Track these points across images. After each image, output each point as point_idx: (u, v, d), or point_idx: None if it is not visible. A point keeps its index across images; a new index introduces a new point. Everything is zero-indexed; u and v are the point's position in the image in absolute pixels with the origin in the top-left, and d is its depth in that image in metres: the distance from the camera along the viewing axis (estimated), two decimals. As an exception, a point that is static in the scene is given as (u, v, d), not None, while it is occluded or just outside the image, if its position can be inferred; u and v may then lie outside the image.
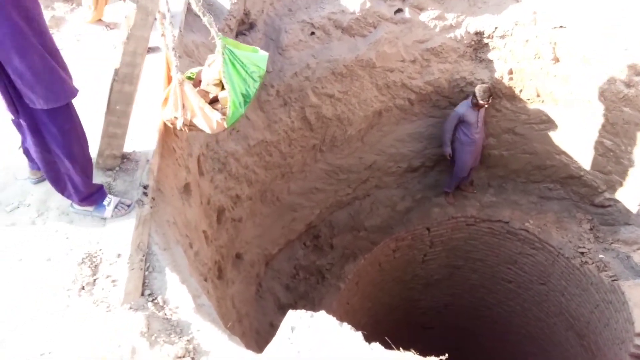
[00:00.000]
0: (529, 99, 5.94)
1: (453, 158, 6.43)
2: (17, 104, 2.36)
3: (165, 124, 3.35)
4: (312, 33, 5.47)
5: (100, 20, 4.50)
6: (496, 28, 5.48)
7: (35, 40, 2.14)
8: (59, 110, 2.38)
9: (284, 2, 5.45)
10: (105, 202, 2.77)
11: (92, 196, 2.73)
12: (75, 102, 2.52)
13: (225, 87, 2.95)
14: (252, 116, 5.41)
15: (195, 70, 3.32)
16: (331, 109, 5.79)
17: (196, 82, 3.18)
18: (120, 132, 3.01)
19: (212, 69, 3.06)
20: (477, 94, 5.71)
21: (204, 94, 3.07)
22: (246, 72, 2.93)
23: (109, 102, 2.88)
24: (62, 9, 4.68)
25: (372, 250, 6.66)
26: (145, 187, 3.01)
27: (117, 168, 3.13)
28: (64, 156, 2.54)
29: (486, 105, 5.87)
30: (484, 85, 5.79)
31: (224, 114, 2.99)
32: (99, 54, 4.17)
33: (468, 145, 6.18)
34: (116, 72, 2.79)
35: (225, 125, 3.01)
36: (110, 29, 4.46)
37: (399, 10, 5.53)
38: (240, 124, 5.29)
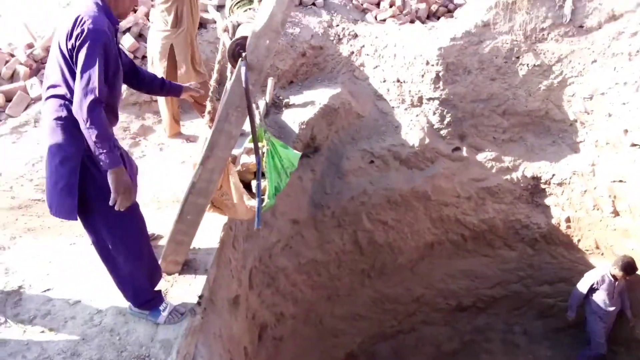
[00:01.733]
0: (587, 250, 5.80)
1: (585, 328, 5.93)
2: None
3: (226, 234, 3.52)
4: (372, 162, 5.74)
5: (179, 133, 4.94)
6: (553, 175, 5.55)
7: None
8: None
9: (348, 131, 5.80)
10: (161, 308, 2.85)
11: (150, 301, 2.82)
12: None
13: (266, 176, 3.03)
14: (306, 234, 5.55)
15: (234, 151, 3.41)
16: (383, 236, 5.86)
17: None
18: (186, 240, 3.16)
19: (250, 157, 3.22)
20: (618, 267, 5.32)
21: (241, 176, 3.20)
22: (282, 165, 3.07)
23: (182, 211, 3.07)
24: (152, 119, 5.18)
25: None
26: (200, 297, 3.08)
27: (177, 274, 3.25)
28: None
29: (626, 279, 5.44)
30: (626, 259, 5.33)
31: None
32: (175, 164, 4.55)
33: (600, 315, 5.65)
34: (193, 184, 3.00)
35: (262, 211, 3.11)
36: (190, 141, 4.87)
37: (457, 149, 5.75)
38: (294, 241, 5.42)
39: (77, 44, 2.31)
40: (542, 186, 5.74)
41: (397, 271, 6.15)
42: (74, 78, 2.34)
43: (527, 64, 5.14)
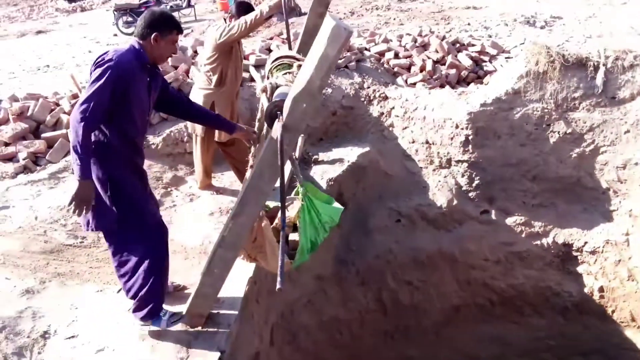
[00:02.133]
0: (622, 322, 5.56)
1: None
2: None
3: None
4: (398, 220, 5.72)
5: (210, 185, 5.04)
6: (586, 243, 5.43)
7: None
8: None
9: (375, 189, 5.83)
10: (161, 314, 3.11)
11: (156, 311, 3.10)
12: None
13: (298, 230, 3.06)
14: (329, 291, 5.49)
15: (272, 204, 3.50)
16: (408, 296, 5.75)
17: (269, 216, 3.35)
18: (212, 294, 3.17)
19: (289, 211, 3.23)
20: None
21: (277, 231, 3.20)
22: (319, 221, 3.05)
23: (209, 264, 3.10)
24: (184, 170, 5.32)
25: None
26: (222, 353, 3.06)
27: (200, 328, 3.24)
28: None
29: None
30: None
31: (291, 257, 3.09)
32: (204, 215, 4.63)
33: None
34: (223, 238, 3.04)
35: (292, 267, 3.13)
36: (220, 193, 4.96)
37: (486, 212, 5.70)
38: (317, 297, 5.36)
39: (93, 69, 2.66)
40: (574, 253, 5.60)
41: (421, 334, 5.98)
42: None
43: (558, 132, 5.15)
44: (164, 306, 3.17)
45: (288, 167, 4.58)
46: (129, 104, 2.73)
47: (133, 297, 3.06)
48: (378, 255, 5.62)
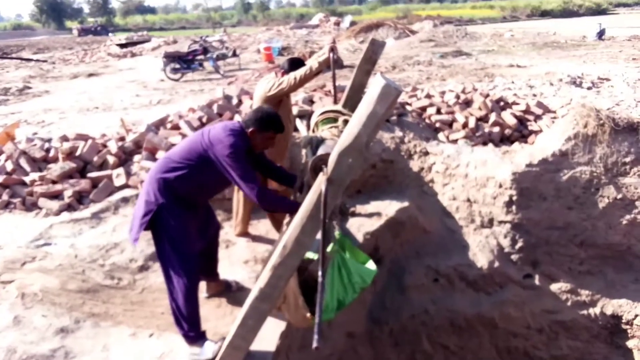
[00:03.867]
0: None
1: None
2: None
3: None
4: (436, 280, 5.53)
5: (247, 233, 5.03)
6: (636, 316, 5.10)
7: None
8: None
9: (413, 246, 5.69)
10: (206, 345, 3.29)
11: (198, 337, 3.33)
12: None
13: (326, 288, 2.95)
14: (360, 350, 5.28)
15: (310, 255, 3.41)
16: (443, 361, 5.48)
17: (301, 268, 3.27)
18: (244, 346, 3.10)
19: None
20: None
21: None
22: (350, 280, 3.01)
23: (244, 316, 3.04)
24: (221, 216, 5.34)
25: None
26: (251, 409, 2.94)
27: (229, 380, 3.14)
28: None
29: None
30: None
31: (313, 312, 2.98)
32: (238, 263, 4.59)
33: None
34: (260, 290, 2.99)
35: (311, 323, 2.99)
36: (255, 241, 4.94)
37: (529, 276, 5.46)
38: (348, 356, 5.16)
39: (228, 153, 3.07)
40: (623, 326, 5.26)
41: (456, 403, 5.66)
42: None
43: (608, 197, 4.96)
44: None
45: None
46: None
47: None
48: (413, 315, 5.41)
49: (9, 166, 5.64)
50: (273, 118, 3.19)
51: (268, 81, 4.42)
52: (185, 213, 3.19)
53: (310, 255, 3.52)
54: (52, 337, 3.42)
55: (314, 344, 2.50)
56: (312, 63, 4.20)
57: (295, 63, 4.43)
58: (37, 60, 20.91)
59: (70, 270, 4.14)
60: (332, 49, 4.18)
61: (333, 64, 4.18)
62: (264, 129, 3.15)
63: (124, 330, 3.60)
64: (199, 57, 14.65)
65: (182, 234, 3.17)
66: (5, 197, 5.34)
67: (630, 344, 5.29)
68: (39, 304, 3.70)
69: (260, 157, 3.45)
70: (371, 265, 3.20)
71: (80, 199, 5.36)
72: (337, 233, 3.14)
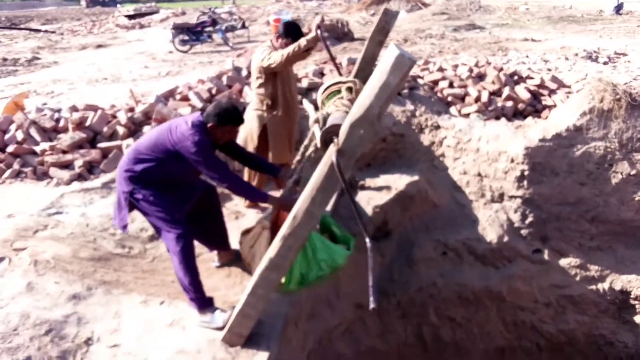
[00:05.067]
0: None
1: None
2: None
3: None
4: (444, 253, 5.54)
5: (256, 205, 5.01)
6: (646, 292, 5.10)
7: None
8: None
9: (422, 220, 5.69)
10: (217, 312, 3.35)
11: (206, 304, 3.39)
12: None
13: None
14: (368, 320, 5.34)
15: None
16: (450, 333, 5.52)
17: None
18: (254, 314, 3.13)
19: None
20: None
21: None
22: (314, 256, 3.15)
23: (254, 285, 3.06)
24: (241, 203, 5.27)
25: None
26: (260, 375, 2.99)
27: (239, 347, 3.19)
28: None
29: None
30: None
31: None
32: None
33: None
34: (270, 260, 3.00)
35: (284, 289, 3.23)
36: (262, 212, 4.93)
37: (538, 251, 5.45)
38: (355, 326, 5.22)
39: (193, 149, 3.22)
40: (632, 302, 5.28)
41: (461, 374, 5.73)
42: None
43: (621, 172, 4.90)
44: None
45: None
46: None
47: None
48: (421, 288, 5.44)
49: (20, 136, 5.66)
50: (230, 112, 3.31)
51: (263, 50, 4.35)
52: (158, 190, 3.34)
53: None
54: (65, 304, 3.46)
55: (371, 305, 2.48)
56: (300, 41, 4.14)
57: (292, 29, 4.34)
58: (46, 31, 20.81)
59: (81, 239, 4.18)
60: (319, 27, 4.13)
61: (323, 40, 4.11)
62: (222, 123, 3.29)
63: (135, 297, 3.64)
64: (207, 29, 14.47)
65: (162, 207, 3.32)
66: (16, 166, 5.37)
67: (638, 319, 5.31)
68: (52, 271, 3.74)
69: (233, 145, 3.64)
70: (344, 247, 3.32)
71: (90, 169, 5.38)
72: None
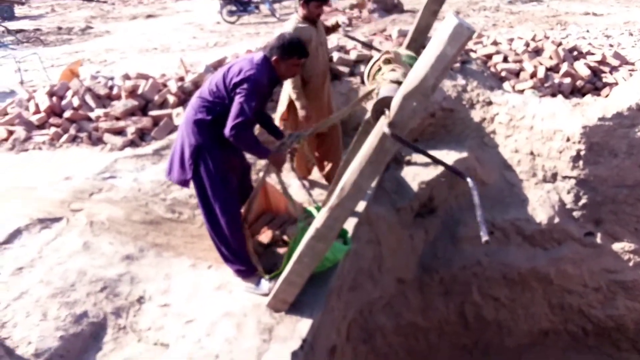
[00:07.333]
0: None
1: None
2: None
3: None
4: (491, 232, 5.43)
5: (305, 177, 5.03)
6: None
7: None
8: None
9: (468, 197, 5.57)
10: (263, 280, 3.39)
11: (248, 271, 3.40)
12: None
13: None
14: (409, 295, 5.34)
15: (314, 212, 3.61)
16: (493, 313, 5.45)
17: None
18: (299, 282, 3.18)
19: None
20: None
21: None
22: None
23: (300, 253, 3.10)
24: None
25: None
26: (304, 341, 3.05)
27: (283, 313, 3.26)
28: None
29: None
30: None
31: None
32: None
33: None
34: (316, 229, 3.02)
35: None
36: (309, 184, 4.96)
37: (590, 234, 5.26)
38: (397, 300, 5.23)
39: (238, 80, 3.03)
40: (689, 291, 5.05)
41: (502, 353, 5.65)
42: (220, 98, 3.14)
43: (685, 155, 4.64)
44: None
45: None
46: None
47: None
48: (465, 266, 5.37)
49: (76, 102, 5.85)
50: (295, 44, 3.11)
51: (291, 22, 4.31)
52: (225, 151, 3.19)
53: (314, 211, 3.62)
54: (119, 263, 3.62)
55: (483, 238, 2.42)
56: (301, 101, 4.26)
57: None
58: (98, 1, 21.28)
59: (134, 203, 4.32)
60: (334, 28, 4.32)
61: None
62: (287, 55, 3.09)
63: (184, 260, 3.76)
64: (255, 0, 14.45)
65: (223, 173, 3.20)
66: (72, 131, 5.57)
67: (693, 309, 5.08)
68: (106, 232, 3.90)
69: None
70: (341, 243, 3.41)
71: (142, 135, 5.52)
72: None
